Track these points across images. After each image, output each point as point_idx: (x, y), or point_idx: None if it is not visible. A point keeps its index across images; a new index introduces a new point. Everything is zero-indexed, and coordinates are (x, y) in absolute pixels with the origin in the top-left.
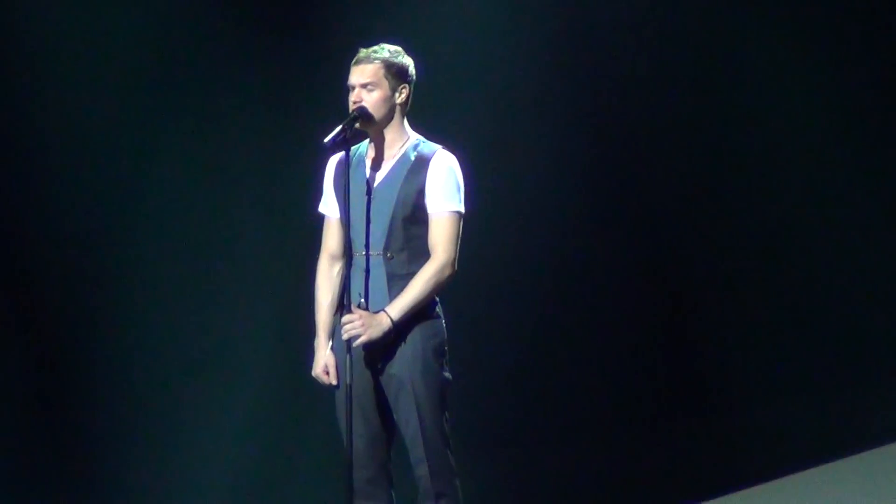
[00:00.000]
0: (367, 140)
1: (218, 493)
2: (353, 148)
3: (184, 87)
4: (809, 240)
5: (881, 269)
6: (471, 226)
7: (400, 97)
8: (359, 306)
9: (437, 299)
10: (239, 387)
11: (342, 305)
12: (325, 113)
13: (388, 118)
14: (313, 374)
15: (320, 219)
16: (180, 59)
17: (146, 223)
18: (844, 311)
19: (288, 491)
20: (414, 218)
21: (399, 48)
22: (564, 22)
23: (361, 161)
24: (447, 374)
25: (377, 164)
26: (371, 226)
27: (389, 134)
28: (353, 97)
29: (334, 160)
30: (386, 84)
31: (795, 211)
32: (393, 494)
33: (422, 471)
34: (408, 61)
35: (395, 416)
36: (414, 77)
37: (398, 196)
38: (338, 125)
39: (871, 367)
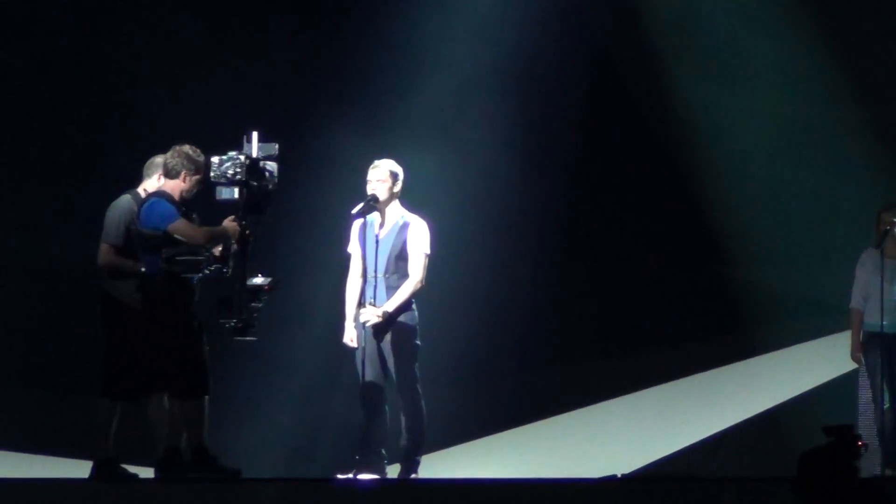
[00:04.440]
0: (377, 212)
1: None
2: (368, 216)
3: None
4: None
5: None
6: (433, 260)
7: (396, 188)
8: (370, 304)
9: (413, 300)
10: (306, 341)
11: (360, 303)
12: (357, 195)
13: (389, 200)
14: (343, 341)
15: (348, 256)
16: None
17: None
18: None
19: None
20: (402, 256)
21: (395, 161)
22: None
23: (372, 224)
24: (418, 342)
25: (382, 225)
26: (378, 260)
27: (389, 209)
28: (369, 188)
29: (358, 223)
30: (389, 181)
31: None
32: (386, 407)
33: (402, 394)
34: (400, 169)
35: (388, 364)
36: (402, 177)
37: (393, 244)
38: (360, 203)
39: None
